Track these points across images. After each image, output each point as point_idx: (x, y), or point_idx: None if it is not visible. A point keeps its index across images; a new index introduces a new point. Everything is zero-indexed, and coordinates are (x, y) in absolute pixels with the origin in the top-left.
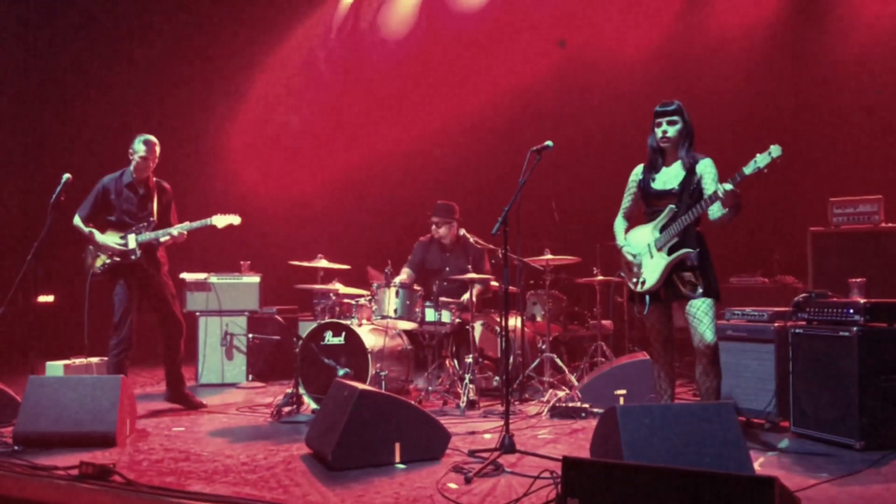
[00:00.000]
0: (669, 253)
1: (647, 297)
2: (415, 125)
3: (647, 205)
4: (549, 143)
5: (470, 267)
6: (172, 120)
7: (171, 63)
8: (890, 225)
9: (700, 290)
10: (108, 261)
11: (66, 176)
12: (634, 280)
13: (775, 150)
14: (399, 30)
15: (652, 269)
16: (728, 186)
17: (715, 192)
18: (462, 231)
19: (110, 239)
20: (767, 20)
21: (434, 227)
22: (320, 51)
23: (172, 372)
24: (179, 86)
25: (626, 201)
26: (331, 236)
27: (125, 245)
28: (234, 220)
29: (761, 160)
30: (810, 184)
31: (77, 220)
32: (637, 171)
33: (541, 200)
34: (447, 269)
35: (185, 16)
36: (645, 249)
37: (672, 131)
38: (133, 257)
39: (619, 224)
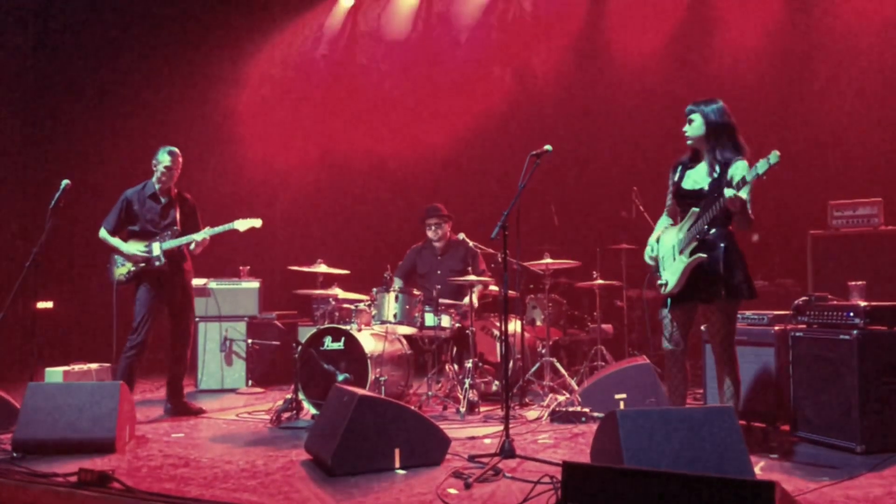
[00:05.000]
0: (689, 256)
1: (669, 300)
2: (415, 129)
3: (679, 205)
4: (548, 147)
5: (470, 269)
6: (170, 124)
7: (167, 66)
8: (890, 227)
9: (723, 294)
10: (133, 268)
11: (66, 182)
12: (659, 282)
13: (773, 157)
14: (398, 32)
15: (673, 271)
16: (729, 193)
17: (722, 199)
18: (461, 235)
19: (134, 247)
20: (765, 22)
21: (433, 228)
22: (316, 53)
23: (173, 383)
24: (177, 89)
25: (669, 199)
26: (330, 241)
27: (150, 252)
28: (256, 223)
29: (761, 167)
30: (810, 187)
31: (103, 233)
32: (674, 168)
33: (540, 204)
34: (438, 272)
35: (183, 20)
36: (670, 251)
37: (689, 130)
38: (157, 264)
39: (661, 222)
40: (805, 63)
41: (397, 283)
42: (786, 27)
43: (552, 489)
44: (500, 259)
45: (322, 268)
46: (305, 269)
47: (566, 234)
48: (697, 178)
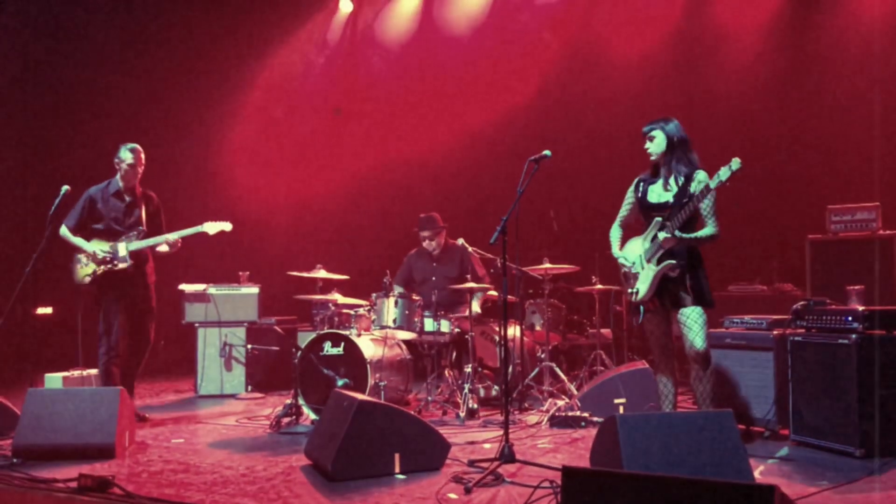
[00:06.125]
0: (657, 264)
1: (641, 308)
2: (414, 134)
3: (644, 217)
4: (547, 152)
5: (469, 277)
6: (171, 130)
7: (167, 72)
8: (887, 232)
9: (690, 299)
10: (97, 269)
11: (65, 188)
12: (630, 290)
13: (735, 163)
14: (399, 39)
15: (643, 279)
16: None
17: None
18: (461, 240)
19: (98, 247)
20: (764, 25)
21: (427, 241)
22: (318, 59)
23: (126, 382)
24: (177, 96)
25: (623, 211)
26: (329, 246)
27: (115, 253)
28: (226, 226)
29: (723, 174)
30: (808, 191)
31: (64, 231)
32: (634, 185)
33: (539, 209)
34: (433, 278)
35: (181, 25)
36: (638, 260)
37: (651, 146)
38: (123, 265)
39: (615, 232)
40: (803, 68)
41: (397, 291)
42: (784, 32)
43: (552, 494)
44: (499, 264)
45: (321, 273)
46: (305, 274)
47: (565, 238)
48: (661, 191)
